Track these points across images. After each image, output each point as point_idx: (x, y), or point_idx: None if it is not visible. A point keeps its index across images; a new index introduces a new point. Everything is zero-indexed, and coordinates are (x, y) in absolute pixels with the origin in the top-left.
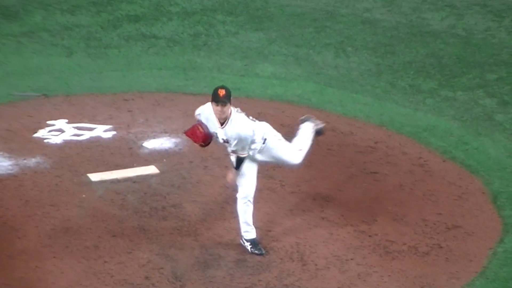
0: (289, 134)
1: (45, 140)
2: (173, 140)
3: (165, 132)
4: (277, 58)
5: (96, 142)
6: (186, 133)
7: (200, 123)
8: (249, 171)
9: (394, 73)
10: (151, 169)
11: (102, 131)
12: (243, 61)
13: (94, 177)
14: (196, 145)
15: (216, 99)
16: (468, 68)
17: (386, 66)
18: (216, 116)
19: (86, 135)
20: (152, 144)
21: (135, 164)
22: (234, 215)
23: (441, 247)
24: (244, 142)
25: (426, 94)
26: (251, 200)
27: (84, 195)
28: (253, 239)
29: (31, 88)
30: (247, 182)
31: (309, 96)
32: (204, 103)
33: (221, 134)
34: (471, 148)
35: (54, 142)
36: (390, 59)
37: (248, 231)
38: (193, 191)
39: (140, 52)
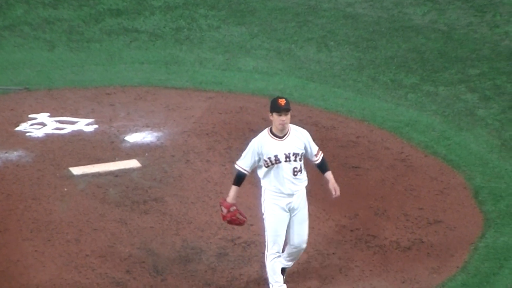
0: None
1: (27, 134)
2: (155, 134)
3: (147, 126)
4: (259, 52)
5: (78, 135)
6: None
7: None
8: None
9: (376, 68)
10: (133, 163)
11: (84, 125)
12: (225, 55)
13: (76, 170)
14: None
15: (278, 109)
16: (450, 63)
17: (368, 60)
18: (278, 128)
19: (68, 128)
20: (134, 138)
21: (116, 158)
22: (216, 210)
23: (422, 241)
24: (305, 147)
25: (408, 89)
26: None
27: (66, 189)
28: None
29: (12, 81)
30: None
31: (291, 90)
32: (185, 97)
33: (282, 149)
34: (452, 143)
35: (36, 136)
36: (372, 54)
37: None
38: (175, 185)
39: (122, 46)
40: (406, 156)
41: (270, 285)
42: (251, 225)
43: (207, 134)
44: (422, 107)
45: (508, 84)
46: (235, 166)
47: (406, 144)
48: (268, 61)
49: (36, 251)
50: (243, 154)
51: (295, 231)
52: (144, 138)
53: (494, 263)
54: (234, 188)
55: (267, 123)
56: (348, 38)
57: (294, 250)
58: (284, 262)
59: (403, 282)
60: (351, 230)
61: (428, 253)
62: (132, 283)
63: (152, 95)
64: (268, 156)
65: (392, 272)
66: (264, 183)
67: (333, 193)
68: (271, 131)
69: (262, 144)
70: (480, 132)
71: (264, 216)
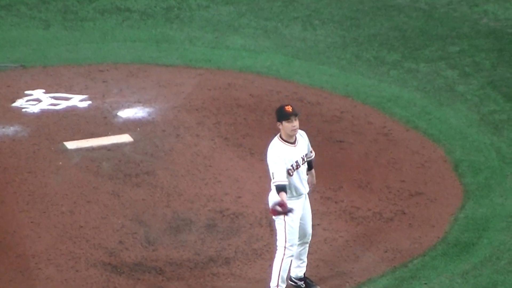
0: (258, 104)
1: (23, 110)
2: (147, 109)
3: (138, 102)
4: (247, 31)
5: (72, 111)
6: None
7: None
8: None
9: (359, 46)
10: (125, 138)
11: (78, 101)
12: (214, 34)
13: (70, 145)
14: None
15: (288, 116)
16: (430, 41)
17: (352, 38)
18: (291, 134)
19: (63, 104)
20: (126, 113)
21: (109, 133)
22: (205, 182)
23: (404, 213)
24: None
25: (390, 66)
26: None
27: (60, 163)
28: None
29: (9, 59)
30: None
31: (278, 67)
32: (176, 74)
33: (298, 154)
34: (433, 118)
35: (31, 111)
36: (356, 32)
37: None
38: (166, 159)
39: (115, 25)
40: (389, 130)
41: (274, 285)
42: (239, 197)
43: (196, 109)
44: (404, 83)
45: (487, 61)
46: (274, 184)
47: (388, 119)
48: (255, 39)
49: (32, 222)
50: (274, 170)
51: (306, 226)
52: (136, 113)
53: (473, 234)
54: (283, 194)
55: (255, 99)
56: (332, 16)
57: (303, 247)
58: (301, 267)
59: (386, 252)
60: (336, 202)
61: (409, 224)
62: (124, 253)
63: (143, 72)
64: (291, 164)
65: (375, 242)
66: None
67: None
68: (282, 139)
69: (284, 153)
70: (459, 107)
71: (284, 223)
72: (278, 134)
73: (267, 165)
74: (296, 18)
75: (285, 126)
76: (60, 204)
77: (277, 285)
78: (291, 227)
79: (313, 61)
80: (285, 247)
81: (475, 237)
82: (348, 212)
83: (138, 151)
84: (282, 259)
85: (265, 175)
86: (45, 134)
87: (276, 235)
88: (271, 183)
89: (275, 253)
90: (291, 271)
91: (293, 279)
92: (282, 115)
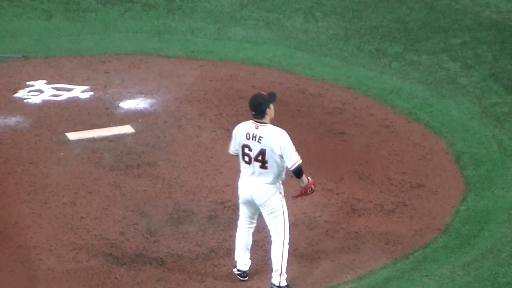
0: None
1: (25, 100)
2: (148, 100)
3: (140, 93)
4: (249, 22)
5: (74, 102)
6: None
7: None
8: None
9: (361, 38)
10: (127, 129)
11: (80, 92)
12: (215, 25)
13: (72, 136)
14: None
15: (272, 99)
16: (432, 33)
17: (354, 30)
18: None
19: (65, 95)
20: (128, 104)
21: (111, 124)
22: (207, 174)
23: (405, 205)
24: None
25: (392, 58)
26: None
27: (62, 153)
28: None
29: (11, 50)
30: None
31: (279, 59)
32: (177, 66)
33: None
34: (435, 110)
35: (33, 102)
36: (358, 24)
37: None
38: (167, 150)
39: (117, 15)
40: (390, 122)
41: (278, 272)
42: None
43: (198, 101)
44: (405, 75)
45: (489, 53)
46: (300, 162)
47: (390, 111)
48: (257, 31)
49: (33, 213)
50: (294, 150)
51: None
52: (137, 104)
53: (474, 226)
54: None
55: (257, 90)
56: (334, 8)
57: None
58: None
59: (387, 244)
60: (337, 194)
61: (411, 216)
62: (125, 244)
63: (145, 63)
64: None
65: (376, 234)
66: (282, 177)
67: None
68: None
69: None
70: (461, 100)
71: (282, 210)
72: (264, 121)
73: (285, 148)
74: (298, 9)
75: (272, 109)
76: (61, 195)
77: (281, 274)
78: (287, 214)
79: (315, 53)
80: (284, 231)
81: (476, 229)
82: (350, 204)
83: (139, 142)
84: (283, 244)
85: None
86: (46, 125)
87: (273, 224)
88: (295, 162)
89: (274, 242)
90: (242, 265)
91: (245, 272)
92: (271, 99)
